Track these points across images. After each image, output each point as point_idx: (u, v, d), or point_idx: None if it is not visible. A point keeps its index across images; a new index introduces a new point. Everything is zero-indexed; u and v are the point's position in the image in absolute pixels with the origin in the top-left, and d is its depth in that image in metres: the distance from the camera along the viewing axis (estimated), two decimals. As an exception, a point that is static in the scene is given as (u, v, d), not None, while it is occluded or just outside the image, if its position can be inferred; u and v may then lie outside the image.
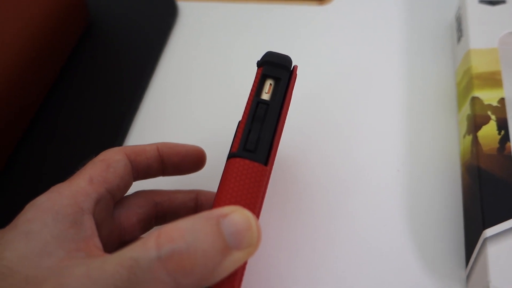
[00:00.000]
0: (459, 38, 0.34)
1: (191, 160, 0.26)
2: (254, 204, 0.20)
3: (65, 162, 0.32)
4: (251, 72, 0.36)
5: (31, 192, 0.21)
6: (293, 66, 0.24)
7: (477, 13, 0.33)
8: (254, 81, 0.23)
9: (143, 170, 0.24)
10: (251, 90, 0.23)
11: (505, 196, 0.24)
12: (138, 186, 0.25)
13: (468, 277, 0.25)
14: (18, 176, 0.31)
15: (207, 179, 0.28)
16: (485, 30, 0.32)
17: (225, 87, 0.35)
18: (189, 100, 0.35)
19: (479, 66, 0.30)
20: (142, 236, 0.25)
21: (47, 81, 0.36)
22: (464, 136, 0.29)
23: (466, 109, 0.29)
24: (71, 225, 0.19)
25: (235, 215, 0.18)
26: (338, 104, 0.33)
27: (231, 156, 0.21)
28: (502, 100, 0.28)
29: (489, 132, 0.27)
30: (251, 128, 0.21)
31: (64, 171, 0.32)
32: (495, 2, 0.33)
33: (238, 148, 0.21)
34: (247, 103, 0.22)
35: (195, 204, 0.26)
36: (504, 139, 0.26)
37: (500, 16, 0.32)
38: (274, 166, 0.31)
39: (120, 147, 0.24)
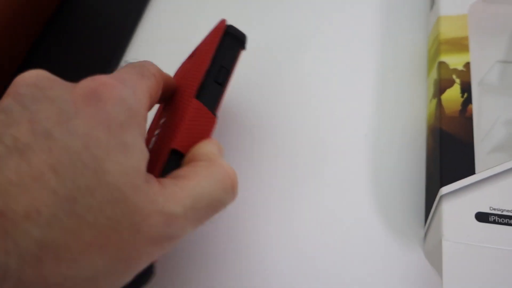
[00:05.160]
0: (431, 6, 0.34)
1: None
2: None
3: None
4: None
5: None
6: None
7: (449, -19, 0.33)
8: (214, 40, 0.25)
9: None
10: (211, 47, 0.24)
11: (463, 156, 0.25)
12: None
13: (425, 234, 0.25)
14: None
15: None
16: (456, -3, 0.32)
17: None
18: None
19: (448, 32, 0.30)
20: None
21: (19, 55, 0.36)
22: (430, 101, 0.30)
23: (434, 74, 0.30)
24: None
25: None
26: (307, 66, 0.34)
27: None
28: (467, 65, 0.28)
29: (452, 95, 0.27)
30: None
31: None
32: (467, -30, 0.33)
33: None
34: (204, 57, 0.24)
35: None
36: (467, 102, 0.27)
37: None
38: (242, 132, 0.31)
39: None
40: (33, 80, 0.18)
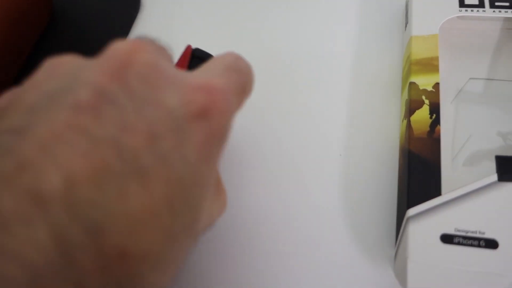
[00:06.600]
0: (406, 25, 0.34)
1: None
2: None
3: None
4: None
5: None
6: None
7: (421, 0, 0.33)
8: (183, 65, 0.27)
9: None
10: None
11: (430, 177, 0.25)
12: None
13: (395, 255, 0.26)
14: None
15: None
16: (428, 16, 0.32)
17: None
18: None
19: (418, 52, 0.31)
20: None
21: (9, 74, 0.37)
22: (402, 121, 0.30)
23: (405, 95, 0.30)
24: None
25: None
26: (282, 86, 0.34)
27: None
28: (436, 85, 0.29)
29: (421, 116, 0.28)
30: None
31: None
32: (439, -11, 0.33)
33: None
34: None
35: None
36: (435, 123, 0.27)
37: (445, 2, 0.33)
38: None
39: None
40: (144, 67, 0.15)
